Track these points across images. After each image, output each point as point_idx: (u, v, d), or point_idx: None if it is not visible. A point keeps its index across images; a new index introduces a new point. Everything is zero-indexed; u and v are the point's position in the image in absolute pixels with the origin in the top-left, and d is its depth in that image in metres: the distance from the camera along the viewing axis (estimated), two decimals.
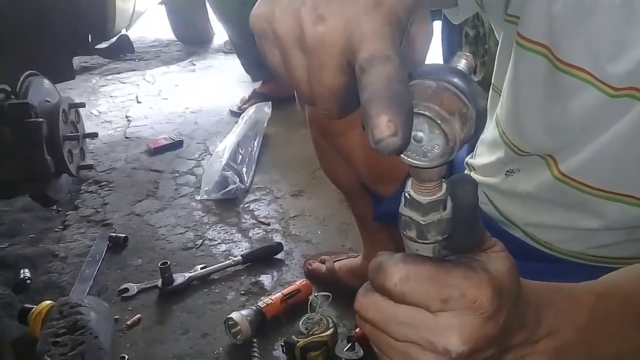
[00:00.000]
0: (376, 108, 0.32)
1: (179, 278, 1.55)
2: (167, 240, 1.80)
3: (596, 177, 0.72)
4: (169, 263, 1.54)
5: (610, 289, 0.49)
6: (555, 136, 0.74)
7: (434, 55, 2.61)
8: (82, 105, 2.00)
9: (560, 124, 0.73)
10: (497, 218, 0.89)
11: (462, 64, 0.36)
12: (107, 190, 2.14)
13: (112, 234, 1.80)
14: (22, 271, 1.60)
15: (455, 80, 0.34)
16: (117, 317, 1.44)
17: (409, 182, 0.38)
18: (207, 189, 2.04)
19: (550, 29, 0.67)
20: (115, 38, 3.03)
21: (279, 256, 1.68)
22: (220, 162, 2.11)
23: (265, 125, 2.47)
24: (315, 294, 1.44)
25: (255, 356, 1.27)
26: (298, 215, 1.91)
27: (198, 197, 2.04)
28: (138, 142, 2.57)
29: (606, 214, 0.73)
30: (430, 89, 0.34)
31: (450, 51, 2.50)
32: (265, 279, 1.59)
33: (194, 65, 3.79)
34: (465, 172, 1.00)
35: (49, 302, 1.35)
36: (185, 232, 1.84)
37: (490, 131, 0.90)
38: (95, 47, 2.77)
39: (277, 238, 1.78)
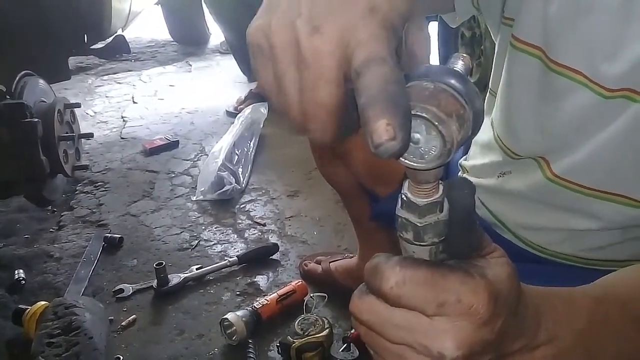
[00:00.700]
0: (374, 111, 0.32)
1: (175, 279, 1.54)
2: (163, 241, 1.79)
3: (589, 177, 0.72)
4: (164, 264, 1.53)
5: (608, 293, 0.49)
6: (548, 138, 0.74)
7: (431, 56, 2.62)
8: (78, 105, 2.00)
9: (553, 125, 0.73)
10: (490, 220, 0.89)
11: (459, 65, 0.36)
12: (103, 190, 2.14)
13: (108, 234, 1.79)
14: (16, 272, 1.59)
15: (453, 81, 0.34)
16: (112, 317, 1.43)
17: (406, 184, 0.38)
18: (202, 189, 2.04)
19: (545, 31, 0.68)
20: (111, 38, 3.03)
21: (274, 257, 1.68)
22: (216, 162, 2.11)
23: (262, 125, 2.47)
24: (311, 295, 1.44)
25: (250, 357, 1.27)
26: (294, 215, 1.91)
27: (194, 198, 2.04)
28: (134, 143, 2.57)
29: (599, 214, 0.73)
30: (427, 90, 0.34)
31: (446, 52, 2.50)
32: (261, 280, 1.59)
33: (190, 65, 3.79)
34: (460, 173, 1.01)
35: (43, 302, 1.35)
36: (181, 232, 1.84)
37: (484, 133, 0.90)
38: (91, 47, 2.78)
39: (273, 239, 1.78)
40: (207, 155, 2.31)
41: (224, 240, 1.79)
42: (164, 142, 2.49)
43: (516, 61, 0.73)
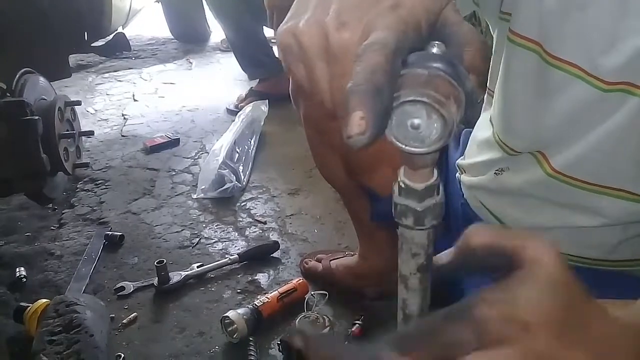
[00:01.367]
0: (353, 102, 0.33)
1: (175, 277, 1.54)
2: (164, 239, 1.80)
3: (589, 172, 0.72)
4: (165, 261, 1.53)
5: None
6: (546, 132, 0.74)
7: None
8: (78, 103, 2.00)
9: (551, 119, 0.73)
10: (490, 220, 0.89)
11: (436, 49, 0.37)
12: (103, 188, 2.14)
13: (108, 232, 1.79)
14: (17, 269, 1.59)
15: (443, 66, 0.36)
16: (113, 315, 1.44)
17: (402, 171, 0.39)
18: (203, 187, 2.04)
19: (542, 24, 0.68)
20: (111, 36, 3.02)
21: (275, 255, 1.68)
22: (216, 160, 2.11)
23: (262, 123, 2.47)
24: (312, 293, 1.44)
25: (251, 355, 1.27)
26: (295, 213, 1.91)
27: (194, 196, 2.04)
28: (134, 140, 2.56)
29: (600, 210, 0.73)
30: (422, 76, 0.35)
31: None
32: (262, 278, 1.59)
33: (191, 63, 3.78)
34: (457, 174, 1.00)
35: (44, 300, 1.35)
36: (182, 230, 1.84)
37: (483, 131, 0.90)
38: (92, 45, 2.77)
39: (274, 237, 1.78)
40: (208, 153, 2.31)
41: (224, 238, 1.79)
42: (165, 140, 2.48)
43: (513, 55, 0.73)
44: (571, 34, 0.66)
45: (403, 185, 0.38)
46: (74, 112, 1.98)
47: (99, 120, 2.83)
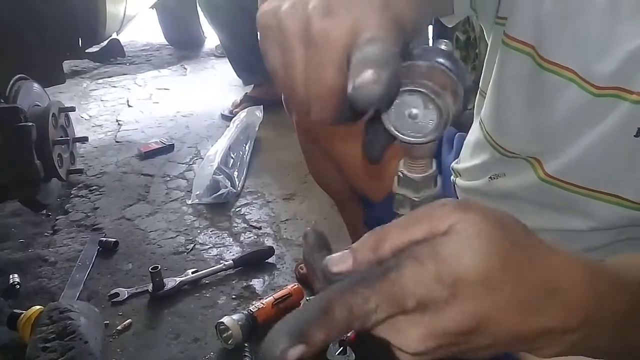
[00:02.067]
0: (363, 65, 0.33)
1: (170, 282, 1.54)
2: (158, 245, 1.79)
3: (582, 176, 0.72)
4: (159, 267, 1.53)
5: None
6: (540, 135, 0.75)
7: None
8: (72, 109, 1.99)
9: (544, 123, 0.73)
10: None
11: (444, 47, 0.39)
12: (98, 194, 2.13)
13: (103, 238, 1.79)
14: (11, 276, 1.58)
15: (444, 60, 0.37)
16: (108, 322, 1.43)
17: (402, 163, 0.40)
18: (198, 193, 2.04)
19: (537, 28, 0.68)
20: (106, 42, 3.01)
21: (270, 260, 1.68)
22: (211, 166, 2.11)
23: (257, 129, 2.47)
24: (307, 298, 1.44)
25: None
26: (289, 219, 1.91)
27: (189, 201, 2.04)
28: (129, 146, 2.56)
29: (593, 214, 0.74)
30: (422, 68, 0.37)
31: None
32: (257, 283, 1.59)
33: (185, 69, 3.78)
34: (452, 177, 1.01)
35: (38, 307, 1.34)
36: (176, 236, 1.84)
37: (475, 134, 0.91)
38: (86, 50, 2.76)
39: (269, 242, 1.78)
40: (203, 158, 2.31)
41: (219, 244, 1.79)
42: (159, 146, 2.48)
43: (507, 59, 0.74)
44: (565, 38, 0.66)
45: (402, 176, 0.40)
46: (68, 118, 1.97)
47: (93, 126, 2.83)
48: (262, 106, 2.57)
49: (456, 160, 1.01)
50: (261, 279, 1.61)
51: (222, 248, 1.77)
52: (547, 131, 0.74)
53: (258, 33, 0.42)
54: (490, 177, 0.87)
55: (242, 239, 1.81)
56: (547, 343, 0.37)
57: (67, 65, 3.53)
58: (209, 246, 1.78)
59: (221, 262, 1.66)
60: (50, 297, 1.53)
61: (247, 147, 2.34)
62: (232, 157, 2.21)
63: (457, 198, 0.99)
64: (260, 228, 1.86)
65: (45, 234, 1.88)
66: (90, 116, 2.98)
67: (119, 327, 1.42)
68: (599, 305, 0.38)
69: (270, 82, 2.77)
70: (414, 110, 0.37)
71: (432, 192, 0.40)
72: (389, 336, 0.36)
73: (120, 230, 1.88)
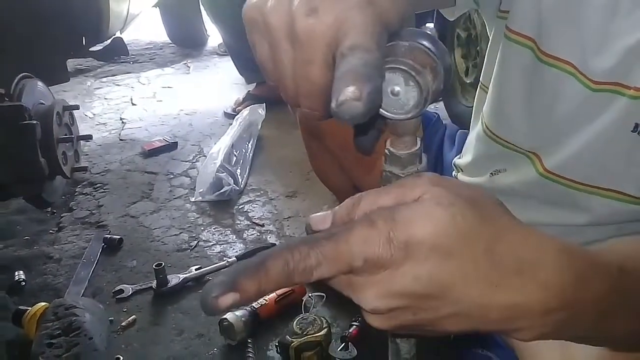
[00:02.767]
0: (345, 81, 0.33)
1: (174, 279, 1.55)
2: (162, 242, 1.80)
3: (580, 172, 0.73)
4: (163, 264, 1.54)
5: (628, 262, 0.44)
6: (539, 129, 0.75)
7: None
8: (76, 107, 2.00)
9: (543, 117, 0.74)
10: None
11: (427, 29, 0.41)
12: (102, 192, 2.14)
13: (107, 235, 1.80)
14: (16, 273, 1.60)
15: (424, 41, 0.39)
16: (112, 318, 1.44)
17: (389, 141, 0.42)
18: (201, 190, 2.05)
19: (538, 22, 0.69)
20: (109, 40, 3.03)
21: None
22: (214, 163, 2.12)
23: (260, 127, 2.48)
24: (309, 295, 1.45)
25: (249, 357, 1.28)
26: (292, 216, 1.92)
27: (192, 199, 2.05)
28: (132, 144, 2.57)
29: (592, 209, 0.74)
30: (403, 47, 0.39)
31: None
32: None
33: (189, 67, 3.79)
34: (454, 173, 1.02)
35: (43, 303, 1.35)
36: (180, 233, 1.85)
37: (476, 129, 0.91)
38: (90, 49, 2.78)
39: (272, 239, 1.79)
40: (206, 156, 2.32)
41: (222, 241, 1.80)
42: (163, 144, 2.49)
43: (508, 52, 0.75)
44: (565, 32, 0.67)
45: (388, 153, 0.42)
46: (72, 116, 1.98)
47: (97, 125, 2.84)
48: (264, 104, 2.58)
49: (458, 156, 1.02)
50: None
51: (225, 245, 1.78)
52: (546, 125, 0.74)
53: (245, 25, 0.43)
54: (491, 173, 0.87)
55: (245, 236, 1.82)
56: (527, 324, 0.37)
57: (71, 63, 3.54)
58: (212, 243, 1.79)
59: (224, 259, 1.67)
60: (55, 294, 1.54)
61: (249, 145, 2.34)
62: (235, 155, 2.22)
63: None
64: (263, 225, 1.87)
65: (50, 231, 1.89)
66: (94, 114, 2.99)
67: (123, 324, 1.43)
68: (580, 287, 0.38)
69: None
70: (396, 88, 0.38)
71: (416, 169, 0.42)
72: (347, 293, 0.37)
73: (124, 228, 1.89)
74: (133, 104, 3.13)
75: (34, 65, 1.96)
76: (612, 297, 0.40)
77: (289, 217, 1.91)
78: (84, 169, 2.07)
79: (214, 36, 4.03)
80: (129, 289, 1.55)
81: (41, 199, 1.77)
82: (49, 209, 1.98)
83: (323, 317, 1.31)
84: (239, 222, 1.90)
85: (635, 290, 0.43)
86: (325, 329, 1.26)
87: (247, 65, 2.84)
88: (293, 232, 1.82)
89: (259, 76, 2.84)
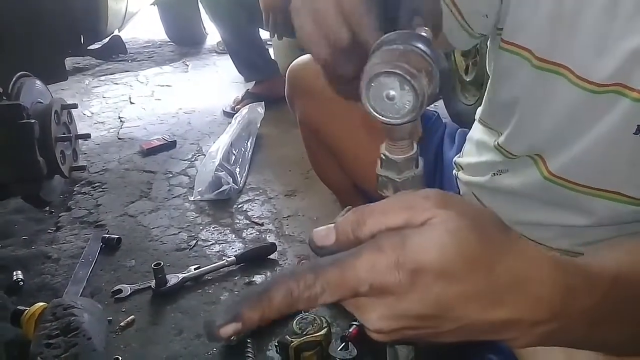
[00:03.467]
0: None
1: (173, 279, 1.54)
2: (161, 241, 1.80)
3: (584, 175, 0.73)
4: (162, 264, 1.53)
5: (622, 268, 0.45)
6: (542, 135, 0.75)
7: None
8: (75, 106, 2.00)
9: (546, 122, 0.74)
10: None
11: (422, 32, 0.41)
12: (100, 191, 2.14)
13: (105, 235, 1.79)
14: (14, 273, 1.59)
15: (419, 44, 0.39)
16: (111, 318, 1.44)
17: (384, 145, 0.42)
18: (200, 189, 2.04)
19: (533, 31, 0.69)
20: (107, 39, 3.02)
21: (272, 256, 1.68)
22: (213, 162, 2.11)
23: (259, 125, 2.47)
24: None
25: (249, 356, 1.27)
26: (291, 215, 1.92)
27: (191, 198, 2.04)
28: (131, 143, 2.57)
29: (594, 211, 0.74)
30: (398, 51, 0.39)
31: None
32: (259, 279, 1.59)
33: (187, 65, 3.78)
34: (454, 171, 1.01)
35: (42, 303, 1.35)
36: (179, 232, 1.84)
37: (478, 131, 0.91)
38: (88, 48, 2.77)
39: (271, 238, 1.79)
40: (205, 155, 2.31)
41: (221, 240, 1.79)
42: (162, 143, 2.49)
43: (504, 62, 0.74)
44: (562, 38, 0.67)
45: (384, 158, 0.42)
46: (70, 115, 1.98)
47: (95, 123, 2.84)
48: (263, 103, 2.57)
49: (459, 155, 1.02)
50: (263, 275, 1.61)
51: (224, 244, 1.77)
52: (549, 130, 0.74)
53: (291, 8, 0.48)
54: (493, 174, 0.87)
55: (244, 235, 1.82)
56: (518, 334, 0.39)
57: (69, 62, 3.54)
58: (211, 242, 1.78)
59: (223, 258, 1.67)
60: (54, 294, 1.53)
61: (249, 144, 2.34)
62: (234, 154, 2.21)
63: (459, 191, 1.00)
64: (262, 224, 1.87)
65: (49, 230, 1.88)
66: (92, 113, 2.99)
67: (122, 323, 1.42)
68: (569, 299, 0.39)
69: (271, 79, 2.78)
70: (392, 92, 0.38)
71: (413, 173, 0.41)
72: (353, 312, 0.38)
73: (123, 227, 1.88)
74: (131, 103, 3.13)
75: (32, 64, 1.95)
76: (605, 306, 0.41)
77: (288, 216, 1.91)
78: (82, 168, 2.06)
79: (213, 34, 4.02)
80: (127, 288, 1.55)
81: (39, 198, 1.76)
82: (47, 209, 1.97)
83: (323, 317, 1.30)
84: (238, 221, 1.90)
85: (631, 296, 0.43)
86: (325, 329, 1.25)
87: (246, 63, 2.83)
88: (292, 231, 1.82)
89: (258, 74, 2.84)
